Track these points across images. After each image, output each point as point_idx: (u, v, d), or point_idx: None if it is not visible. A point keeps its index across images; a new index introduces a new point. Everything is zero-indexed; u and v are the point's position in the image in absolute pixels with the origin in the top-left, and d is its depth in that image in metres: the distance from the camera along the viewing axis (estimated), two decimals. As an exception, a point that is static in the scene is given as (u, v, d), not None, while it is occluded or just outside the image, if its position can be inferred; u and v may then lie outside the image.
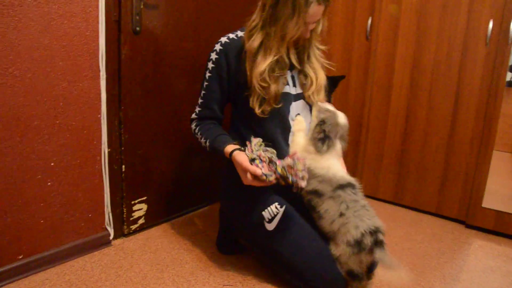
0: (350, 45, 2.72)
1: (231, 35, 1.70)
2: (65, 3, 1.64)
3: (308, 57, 1.75)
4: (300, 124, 1.74)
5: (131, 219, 2.08)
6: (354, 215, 1.52)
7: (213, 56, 1.69)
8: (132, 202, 2.07)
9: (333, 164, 1.63)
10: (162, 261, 1.87)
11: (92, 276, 1.72)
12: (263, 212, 1.66)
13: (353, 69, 2.73)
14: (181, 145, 2.27)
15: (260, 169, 1.48)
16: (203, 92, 1.74)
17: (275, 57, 1.62)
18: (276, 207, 1.66)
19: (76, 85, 1.74)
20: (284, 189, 1.58)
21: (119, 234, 2.06)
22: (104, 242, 1.97)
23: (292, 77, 1.75)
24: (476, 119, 2.32)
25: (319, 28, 1.69)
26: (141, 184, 2.10)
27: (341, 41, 2.75)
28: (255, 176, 1.50)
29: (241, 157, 1.54)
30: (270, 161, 1.51)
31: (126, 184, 2.02)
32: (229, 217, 1.86)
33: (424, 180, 2.56)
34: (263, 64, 1.60)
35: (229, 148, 1.61)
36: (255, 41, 1.60)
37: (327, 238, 1.61)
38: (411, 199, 2.63)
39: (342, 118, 1.70)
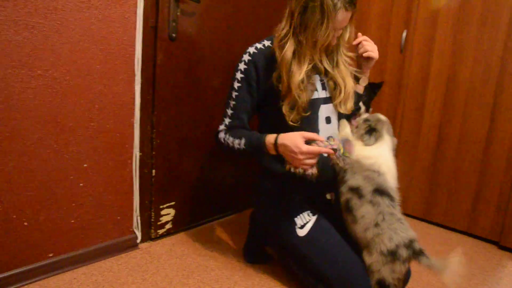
0: (384, 58, 2.69)
1: (259, 45, 1.69)
2: (104, 8, 1.68)
3: (337, 64, 1.73)
4: (345, 128, 1.74)
5: (158, 223, 2.09)
6: (389, 228, 1.50)
7: (242, 66, 1.67)
8: (161, 207, 2.08)
9: (382, 154, 1.64)
10: (187, 267, 1.87)
11: (118, 278, 1.73)
12: (296, 218, 1.69)
13: (386, 82, 2.69)
14: (210, 152, 2.28)
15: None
16: (232, 102, 1.70)
17: (310, 65, 1.62)
18: (308, 215, 1.69)
19: (112, 89, 1.77)
20: (318, 200, 1.70)
21: (146, 238, 2.07)
22: (131, 245, 1.98)
23: (322, 81, 1.74)
24: (513, 137, 2.25)
25: (347, 35, 1.69)
26: (170, 189, 2.11)
27: (375, 54, 2.72)
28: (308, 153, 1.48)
29: (290, 134, 1.53)
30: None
31: (155, 188, 2.03)
32: (262, 222, 1.85)
33: (456, 197, 2.49)
34: (300, 72, 1.59)
35: (271, 136, 1.57)
36: (288, 50, 1.59)
37: (357, 243, 1.59)
38: (442, 217, 2.56)
39: (382, 116, 1.73)
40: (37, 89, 1.55)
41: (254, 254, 1.96)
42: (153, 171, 2.01)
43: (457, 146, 2.46)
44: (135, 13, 1.79)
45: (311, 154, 1.48)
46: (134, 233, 2.00)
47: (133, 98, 1.86)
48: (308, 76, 1.63)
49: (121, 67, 1.79)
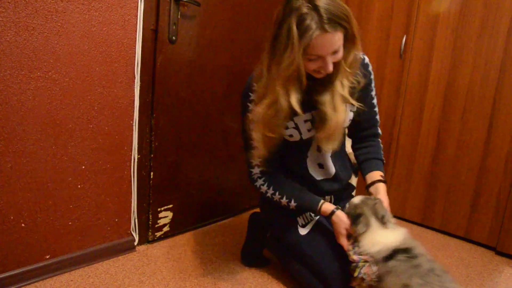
0: (383, 63, 2.70)
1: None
2: (105, 10, 1.69)
3: (332, 95, 1.47)
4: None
5: (156, 226, 2.09)
6: (421, 284, 1.27)
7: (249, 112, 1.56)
8: (158, 209, 2.08)
9: (377, 237, 1.44)
10: (185, 270, 1.87)
11: (115, 280, 1.73)
12: (298, 218, 1.72)
13: (385, 87, 2.70)
14: (209, 155, 2.28)
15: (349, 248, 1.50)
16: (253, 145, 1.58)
17: (271, 99, 1.43)
18: (310, 215, 1.73)
19: (111, 91, 1.77)
20: None
21: (143, 240, 2.07)
22: (128, 247, 1.98)
23: (309, 120, 1.58)
24: (511, 142, 2.25)
25: (349, 58, 1.44)
26: (168, 192, 2.11)
27: (374, 58, 2.73)
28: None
29: (340, 223, 1.54)
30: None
31: (153, 191, 2.03)
32: (265, 221, 1.87)
33: (454, 203, 2.49)
34: (260, 107, 1.45)
35: (327, 207, 1.58)
36: (260, 85, 1.46)
37: None
38: (440, 222, 2.56)
39: (357, 199, 1.54)
40: (37, 91, 1.55)
41: (251, 258, 1.96)
42: (152, 173, 2.01)
43: (455, 151, 2.46)
44: (136, 15, 1.79)
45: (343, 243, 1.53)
46: (132, 235, 2.00)
47: (133, 101, 1.86)
48: (271, 114, 1.45)
49: (121, 70, 1.79)
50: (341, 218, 1.54)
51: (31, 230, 1.63)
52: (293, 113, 1.48)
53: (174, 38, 1.92)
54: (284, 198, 1.63)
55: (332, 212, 1.57)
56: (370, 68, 1.64)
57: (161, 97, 1.96)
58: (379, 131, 1.78)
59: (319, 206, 1.60)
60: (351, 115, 1.63)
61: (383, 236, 1.43)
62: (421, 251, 1.39)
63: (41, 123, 1.58)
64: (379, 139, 1.78)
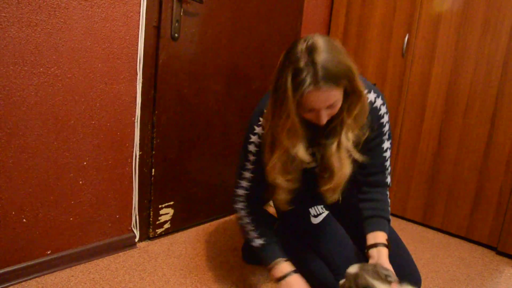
0: (385, 62, 2.69)
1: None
2: (107, 7, 1.69)
3: (339, 148, 1.43)
4: None
5: (157, 222, 2.09)
6: None
7: (255, 139, 1.54)
8: (160, 206, 2.08)
9: None
10: (185, 267, 1.87)
11: (116, 276, 1.74)
12: (310, 209, 1.71)
13: (387, 86, 2.70)
14: (210, 152, 2.29)
15: None
16: (250, 168, 1.59)
17: (282, 152, 1.41)
18: (322, 208, 1.73)
19: (113, 87, 1.78)
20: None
21: (144, 237, 2.08)
22: (129, 244, 1.99)
23: (313, 168, 1.57)
24: (513, 143, 2.25)
25: (354, 111, 1.38)
26: (169, 189, 2.11)
27: (376, 57, 2.73)
28: None
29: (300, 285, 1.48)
30: None
31: (154, 188, 2.04)
32: (277, 211, 1.86)
33: (455, 202, 2.49)
34: (272, 160, 1.43)
35: (277, 271, 1.51)
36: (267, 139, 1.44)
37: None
38: (441, 221, 2.56)
39: (354, 268, 1.35)
40: (39, 86, 1.55)
41: (252, 255, 1.96)
42: (153, 170, 2.01)
43: (456, 151, 2.46)
44: (138, 12, 1.79)
45: None
46: (133, 232, 2.00)
47: (135, 97, 1.86)
48: (290, 158, 1.42)
49: (123, 66, 1.79)
50: (292, 284, 1.47)
51: (32, 226, 1.64)
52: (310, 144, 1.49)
53: (176, 35, 1.92)
54: (257, 233, 1.59)
55: (285, 275, 1.48)
56: (383, 111, 1.53)
57: (163, 94, 1.96)
58: (388, 180, 1.62)
59: (277, 260, 1.52)
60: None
61: None
62: None
63: (43, 119, 1.58)
64: (387, 192, 1.62)
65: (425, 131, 2.58)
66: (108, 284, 1.67)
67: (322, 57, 1.22)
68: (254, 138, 1.54)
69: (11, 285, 1.59)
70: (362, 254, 1.62)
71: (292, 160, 1.42)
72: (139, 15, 1.80)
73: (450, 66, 2.44)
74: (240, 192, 1.66)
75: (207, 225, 2.37)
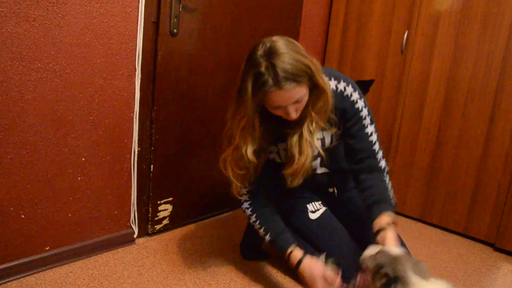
0: (385, 58, 2.69)
1: None
2: (106, 2, 1.68)
3: (299, 139, 1.52)
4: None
5: (156, 219, 2.09)
6: None
7: None
8: (158, 202, 2.08)
9: None
10: (184, 263, 1.87)
11: (114, 272, 1.74)
12: (308, 205, 1.77)
13: (386, 83, 2.70)
14: (209, 148, 2.28)
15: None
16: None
17: (234, 146, 1.54)
18: (320, 204, 1.78)
19: (112, 83, 1.77)
20: (322, 193, 1.83)
21: (143, 233, 2.08)
22: (128, 240, 1.99)
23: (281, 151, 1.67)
24: (511, 139, 2.25)
25: (317, 105, 1.47)
26: (168, 185, 2.11)
27: (376, 54, 2.72)
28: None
29: (314, 270, 1.52)
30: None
31: (153, 184, 2.03)
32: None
33: (453, 199, 2.50)
34: (228, 151, 1.57)
35: (295, 256, 1.57)
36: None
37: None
38: (439, 218, 2.57)
39: (395, 249, 1.33)
40: (37, 82, 1.54)
41: (251, 251, 1.97)
42: (152, 166, 2.01)
43: (455, 147, 2.46)
44: (137, 7, 1.79)
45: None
46: (131, 228, 2.00)
47: (133, 93, 1.86)
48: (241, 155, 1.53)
49: (122, 62, 1.79)
50: (314, 265, 1.52)
51: (31, 222, 1.63)
52: (278, 139, 1.60)
53: (175, 31, 1.92)
54: (262, 230, 1.66)
55: (299, 262, 1.55)
56: (355, 96, 1.58)
57: (162, 90, 1.96)
58: (382, 164, 1.62)
59: (289, 251, 1.59)
60: (316, 151, 1.62)
61: None
62: None
63: (41, 114, 1.58)
64: (385, 176, 1.63)
65: (424, 127, 2.58)
66: (107, 280, 1.67)
67: (281, 59, 1.32)
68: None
69: (10, 281, 1.59)
70: (361, 251, 1.62)
71: (241, 158, 1.52)
72: (138, 11, 1.79)
73: (449, 63, 2.44)
74: (242, 191, 1.71)
75: (206, 221, 2.37)
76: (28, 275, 1.64)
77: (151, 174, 2.02)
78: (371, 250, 1.36)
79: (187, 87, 2.07)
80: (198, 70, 2.11)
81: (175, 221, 2.20)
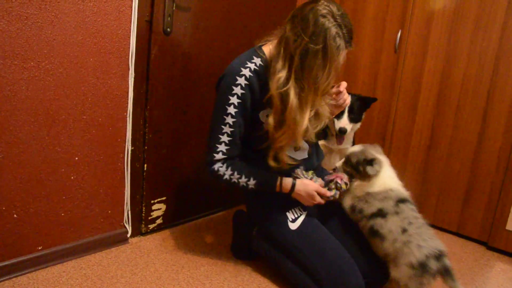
0: (378, 57, 2.70)
1: (251, 65, 1.57)
2: (99, 1, 1.67)
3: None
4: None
5: (149, 218, 2.09)
6: (417, 232, 1.51)
7: (239, 90, 1.56)
8: (152, 202, 2.08)
9: (387, 177, 1.70)
10: (177, 262, 1.87)
11: (108, 272, 1.73)
12: (287, 213, 1.73)
13: (379, 81, 2.70)
14: (203, 148, 2.27)
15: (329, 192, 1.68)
16: (229, 129, 1.59)
17: (312, 111, 1.56)
18: (299, 209, 1.74)
19: (105, 82, 1.76)
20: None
21: (136, 232, 2.07)
22: (121, 239, 1.98)
23: None
24: (504, 138, 2.26)
25: None
26: (161, 184, 2.11)
27: (369, 53, 2.73)
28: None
29: (307, 187, 1.65)
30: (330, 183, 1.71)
31: (146, 183, 2.03)
32: (254, 220, 1.87)
33: (446, 198, 2.51)
34: (303, 121, 1.53)
35: (287, 183, 1.67)
36: (294, 97, 1.48)
37: (385, 261, 1.60)
38: (432, 217, 2.57)
39: (356, 148, 1.80)
40: (30, 81, 1.53)
41: (242, 252, 1.96)
42: (145, 165, 2.00)
43: (448, 146, 2.47)
44: (130, 6, 1.78)
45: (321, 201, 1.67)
46: (125, 227, 2.00)
47: (127, 92, 1.85)
48: (311, 121, 1.59)
49: (115, 61, 1.78)
50: (306, 183, 1.66)
51: (23, 221, 1.62)
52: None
53: (169, 29, 1.91)
54: (243, 177, 1.64)
55: (293, 185, 1.66)
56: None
57: (155, 89, 1.95)
58: None
59: (278, 181, 1.66)
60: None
61: (391, 177, 1.71)
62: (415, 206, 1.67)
63: (34, 113, 1.57)
64: None
65: (417, 126, 2.59)
66: (100, 280, 1.66)
67: (344, 19, 1.45)
68: (237, 90, 1.57)
69: (2, 281, 1.58)
70: (347, 250, 1.66)
71: (316, 119, 1.62)
72: (131, 10, 1.78)
73: (443, 62, 2.45)
74: (218, 156, 1.64)
75: (199, 220, 2.37)
76: (21, 275, 1.63)
77: (144, 173, 2.01)
78: (356, 147, 1.78)
79: (180, 86, 2.07)
80: (192, 68, 2.10)
81: (169, 220, 2.20)
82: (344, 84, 1.71)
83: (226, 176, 1.64)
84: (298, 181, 1.67)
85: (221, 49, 2.23)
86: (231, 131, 1.60)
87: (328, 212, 1.80)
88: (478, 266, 2.16)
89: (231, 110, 1.57)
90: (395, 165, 2.66)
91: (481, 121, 2.34)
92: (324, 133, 2.18)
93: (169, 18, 1.90)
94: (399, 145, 2.67)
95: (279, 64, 1.49)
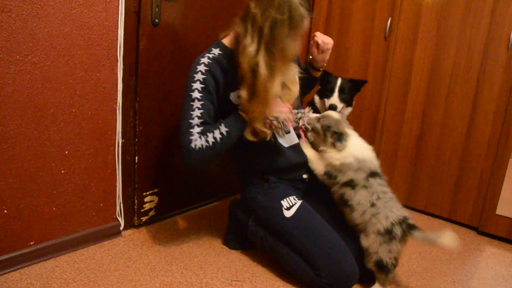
0: (369, 45, 2.69)
1: (210, 55, 1.68)
2: (85, -8, 1.65)
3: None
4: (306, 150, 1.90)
5: (142, 210, 2.08)
6: (384, 206, 1.63)
7: (200, 76, 1.65)
8: (144, 194, 2.07)
9: (356, 147, 1.76)
10: (171, 254, 1.87)
11: (101, 265, 1.73)
12: (282, 201, 1.76)
13: (370, 69, 2.70)
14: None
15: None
16: (199, 111, 1.63)
17: (282, 77, 1.64)
18: (294, 199, 1.77)
19: (94, 74, 1.74)
20: (296, 180, 1.88)
21: (129, 225, 2.07)
22: (114, 233, 1.98)
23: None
24: (493, 125, 2.28)
25: None
26: (153, 176, 2.10)
27: (360, 41, 2.72)
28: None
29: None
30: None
31: (138, 175, 2.02)
32: (250, 209, 1.88)
33: (438, 184, 2.53)
34: (274, 87, 1.61)
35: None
36: (263, 67, 1.56)
37: (356, 231, 1.70)
38: (424, 203, 2.60)
39: (334, 114, 1.86)
40: (16, 74, 1.51)
41: (236, 241, 1.97)
42: (136, 158, 1.99)
43: (439, 133, 2.49)
44: (117, -3, 1.76)
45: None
46: (117, 220, 1.99)
47: (116, 84, 1.83)
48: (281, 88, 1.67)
49: (103, 53, 1.76)
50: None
51: (14, 217, 1.61)
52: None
53: (157, 20, 1.89)
54: (216, 131, 1.63)
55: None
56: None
57: (145, 81, 1.93)
58: None
59: (243, 113, 1.68)
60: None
61: (362, 147, 1.78)
62: (385, 179, 1.74)
63: (21, 107, 1.55)
64: None
65: (408, 113, 2.60)
66: (94, 273, 1.66)
67: None
68: (198, 76, 1.65)
69: (-6, 276, 1.58)
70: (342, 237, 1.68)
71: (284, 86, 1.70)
72: (119, 1, 1.76)
73: (432, 49, 2.45)
74: (195, 130, 1.63)
75: (192, 212, 2.37)
76: (13, 270, 1.62)
77: (135, 166, 2.00)
78: (332, 113, 1.85)
79: (170, 77, 2.05)
80: (181, 59, 2.08)
81: (161, 212, 2.20)
82: (318, 34, 1.85)
83: (202, 143, 1.61)
84: None
85: (210, 39, 2.20)
86: (201, 113, 1.64)
87: (319, 206, 1.82)
88: (469, 250, 2.18)
89: (196, 95, 1.64)
90: (387, 152, 2.70)
91: (471, 108, 2.36)
92: None
93: (157, 9, 1.88)
94: (390, 132, 2.68)
95: (248, 40, 1.57)
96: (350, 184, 1.68)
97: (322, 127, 1.78)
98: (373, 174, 1.70)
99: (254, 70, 1.58)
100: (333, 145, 1.74)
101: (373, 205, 1.64)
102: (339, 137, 1.73)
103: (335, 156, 1.73)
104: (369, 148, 1.80)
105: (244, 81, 1.62)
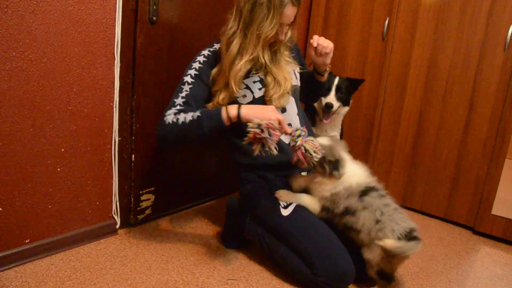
0: (366, 45, 2.69)
1: (211, 49, 1.81)
2: (83, -11, 1.64)
3: (279, 61, 1.82)
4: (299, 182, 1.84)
5: (138, 209, 2.07)
6: (389, 219, 1.57)
7: (197, 65, 1.76)
8: (140, 192, 2.06)
9: (348, 175, 1.66)
10: (167, 252, 1.86)
11: (97, 263, 1.72)
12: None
13: (367, 69, 2.70)
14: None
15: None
16: (184, 92, 1.70)
17: (251, 56, 1.69)
18: None
19: (90, 72, 1.74)
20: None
21: (125, 223, 2.06)
22: (110, 231, 1.97)
23: (260, 79, 1.81)
24: (490, 125, 2.29)
25: (289, 34, 1.78)
26: (149, 175, 2.09)
27: (357, 41, 2.72)
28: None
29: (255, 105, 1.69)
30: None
31: (135, 173, 2.01)
32: (247, 208, 1.88)
33: (434, 184, 2.53)
34: (240, 63, 1.67)
35: (232, 107, 1.61)
36: (234, 46, 1.66)
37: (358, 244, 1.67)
38: (420, 203, 2.61)
39: (324, 140, 1.72)
40: (13, 71, 1.50)
41: (232, 240, 1.97)
42: (133, 156, 1.98)
43: (436, 133, 2.49)
44: (115, -6, 1.75)
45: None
46: (113, 218, 1.98)
47: (113, 82, 1.83)
48: (248, 68, 1.72)
49: (100, 50, 1.75)
50: (255, 105, 1.69)
51: (9, 215, 1.60)
52: (245, 75, 1.74)
53: (154, 18, 1.88)
54: (189, 114, 1.62)
55: (239, 107, 1.60)
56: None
57: (142, 78, 1.93)
58: None
59: (223, 111, 1.60)
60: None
61: (355, 171, 1.68)
62: (384, 190, 1.68)
63: (18, 105, 1.54)
64: None
65: (405, 113, 2.60)
66: (89, 272, 1.65)
67: None
68: (195, 65, 1.76)
69: (-11, 274, 1.57)
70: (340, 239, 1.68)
71: (254, 67, 1.78)
72: (116, -2, 1.76)
73: (430, 50, 2.46)
74: (175, 109, 1.68)
75: (188, 210, 2.36)
76: (8, 268, 1.61)
77: (132, 164, 1.99)
78: (323, 140, 1.71)
79: (167, 75, 2.04)
80: (179, 57, 2.08)
81: (158, 210, 2.19)
82: (315, 38, 1.82)
83: (172, 119, 1.63)
84: (244, 105, 1.64)
85: (208, 37, 2.20)
86: (186, 95, 1.70)
87: None
88: (464, 250, 2.19)
89: (188, 79, 1.74)
90: (384, 152, 2.70)
91: (468, 109, 2.36)
92: (312, 120, 2.21)
93: (154, 7, 1.87)
94: (387, 132, 2.68)
95: (231, 24, 1.69)
96: (348, 212, 1.64)
97: (320, 160, 1.63)
98: (366, 191, 1.63)
99: (228, 47, 1.68)
100: (331, 175, 1.64)
101: (378, 222, 1.58)
102: (335, 165, 1.63)
103: (325, 188, 1.67)
104: (361, 167, 1.71)
105: (221, 59, 1.73)
